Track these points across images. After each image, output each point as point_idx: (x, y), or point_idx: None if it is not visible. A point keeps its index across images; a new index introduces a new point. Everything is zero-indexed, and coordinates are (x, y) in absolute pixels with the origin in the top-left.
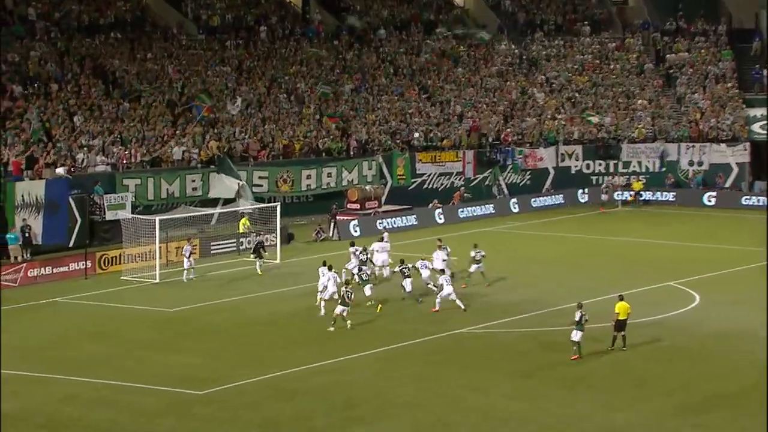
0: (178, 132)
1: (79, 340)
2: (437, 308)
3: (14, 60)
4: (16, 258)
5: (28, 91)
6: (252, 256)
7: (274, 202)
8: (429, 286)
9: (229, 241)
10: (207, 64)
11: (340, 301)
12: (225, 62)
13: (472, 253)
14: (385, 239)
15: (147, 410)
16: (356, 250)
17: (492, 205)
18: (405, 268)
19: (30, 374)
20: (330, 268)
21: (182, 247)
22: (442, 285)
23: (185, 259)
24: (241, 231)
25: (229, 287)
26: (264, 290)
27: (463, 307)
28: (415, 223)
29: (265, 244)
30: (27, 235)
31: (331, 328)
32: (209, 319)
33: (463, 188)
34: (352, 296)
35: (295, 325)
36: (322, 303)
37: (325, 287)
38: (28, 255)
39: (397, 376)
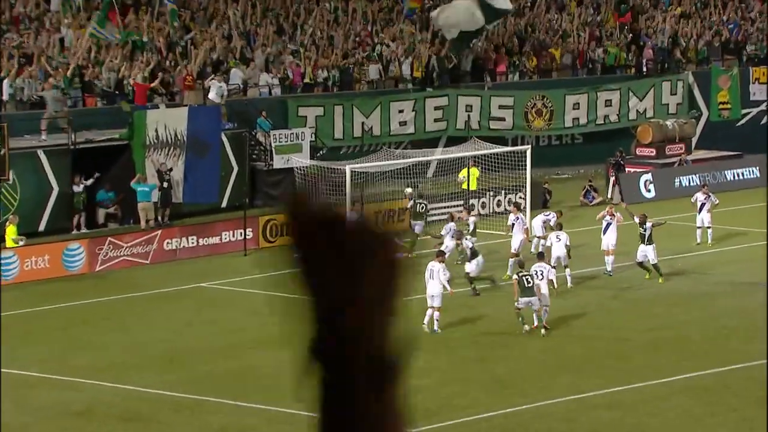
0: (380, 33)
1: (242, 349)
2: (535, 324)
3: None
4: (148, 222)
5: None
6: None
7: (523, 144)
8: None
9: (453, 203)
10: None
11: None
12: None
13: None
14: (551, 218)
15: None
16: (450, 230)
17: None
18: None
19: (167, 394)
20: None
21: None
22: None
23: None
24: (470, 186)
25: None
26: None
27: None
28: (755, 176)
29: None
30: (166, 186)
31: (526, 327)
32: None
33: None
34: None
35: (557, 331)
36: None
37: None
38: (166, 218)
39: (713, 421)
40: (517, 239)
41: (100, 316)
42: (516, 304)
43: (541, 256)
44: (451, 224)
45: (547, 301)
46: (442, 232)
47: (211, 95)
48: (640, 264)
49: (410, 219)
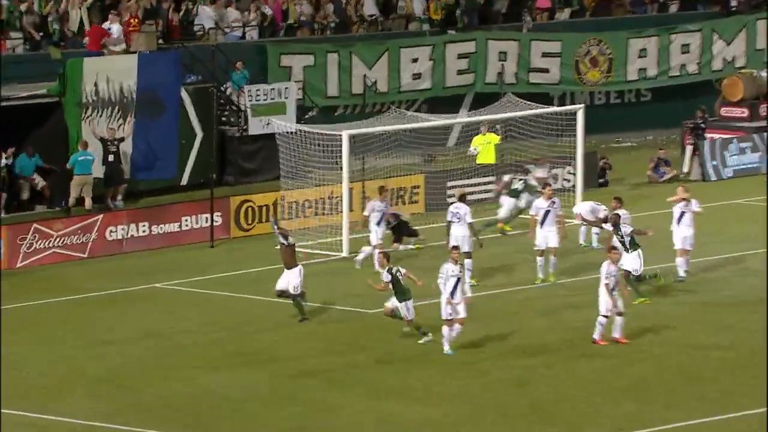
0: None
1: (198, 368)
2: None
3: None
4: (80, 202)
5: None
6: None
7: (573, 103)
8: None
9: (482, 179)
10: None
11: None
12: None
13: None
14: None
15: None
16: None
17: None
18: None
19: (102, 426)
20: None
21: (378, 193)
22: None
23: (373, 227)
24: (487, 158)
25: (482, 269)
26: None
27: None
28: None
29: (406, 223)
30: (113, 159)
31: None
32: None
33: None
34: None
35: (616, 347)
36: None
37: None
38: (119, 200)
39: None
40: (546, 233)
41: (19, 326)
42: (387, 303)
43: (613, 250)
44: (460, 207)
45: (620, 306)
46: (448, 217)
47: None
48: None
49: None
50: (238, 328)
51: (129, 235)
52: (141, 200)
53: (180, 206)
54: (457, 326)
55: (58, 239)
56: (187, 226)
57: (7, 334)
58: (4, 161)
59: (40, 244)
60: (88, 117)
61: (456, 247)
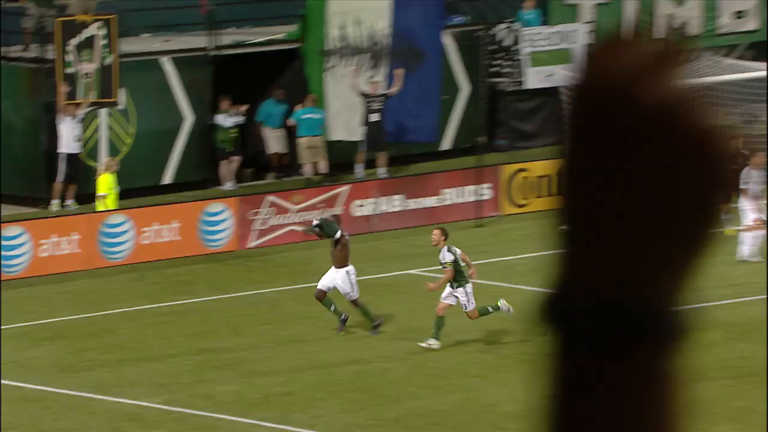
0: None
1: (467, 375)
2: None
3: None
4: (316, 168)
5: None
6: None
7: None
8: None
9: None
10: None
11: None
12: None
13: None
14: None
15: None
16: None
17: None
18: None
19: None
20: None
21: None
22: None
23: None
24: None
25: None
26: None
27: None
28: None
29: None
30: (377, 119)
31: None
32: None
33: None
34: None
35: None
36: None
37: None
38: (384, 169)
39: None
40: None
41: (252, 320)
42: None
43: None
44: None
45: None
46: None
47: None
48: None
49: None
50: (510, 327)
51: (379, 211)
52: (394, 169)
53: (440, 176)
54: None
55: (295, 215)
56: (448, 200)
57: (240, 326)
58: (233, 121)
59: (276, 220)
60: (331, 67)
61: None
